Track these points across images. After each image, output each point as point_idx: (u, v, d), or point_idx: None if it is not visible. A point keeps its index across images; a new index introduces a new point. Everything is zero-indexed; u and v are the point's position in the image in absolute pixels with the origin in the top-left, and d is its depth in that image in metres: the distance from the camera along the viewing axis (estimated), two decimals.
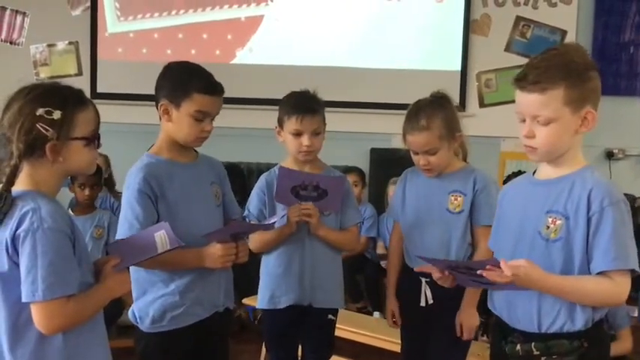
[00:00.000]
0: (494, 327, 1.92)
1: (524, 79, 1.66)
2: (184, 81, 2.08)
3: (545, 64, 1.65)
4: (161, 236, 1.73)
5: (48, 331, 1.54)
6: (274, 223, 2.25)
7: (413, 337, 2.45)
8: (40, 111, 1.55)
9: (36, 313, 1.52)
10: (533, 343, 1.70)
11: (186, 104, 2.07)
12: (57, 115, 1.56)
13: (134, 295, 2.11)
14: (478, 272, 1.61)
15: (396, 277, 2.50)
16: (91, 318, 1.62)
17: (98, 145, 1.67)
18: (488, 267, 1.59)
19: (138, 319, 2.12)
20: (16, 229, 1.51)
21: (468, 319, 2.28)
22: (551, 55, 1.68)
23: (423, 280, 2.29)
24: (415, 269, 2.12)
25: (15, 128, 1.54)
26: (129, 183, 2.09)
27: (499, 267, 1.58)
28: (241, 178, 4.89)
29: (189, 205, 2.11)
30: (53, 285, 1.50)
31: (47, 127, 1.55)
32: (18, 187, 1.57)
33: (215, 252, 2.05)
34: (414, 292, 2.35)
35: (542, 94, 1.63)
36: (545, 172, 1.76)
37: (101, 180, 3.76)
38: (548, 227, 1.68)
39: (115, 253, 1.75)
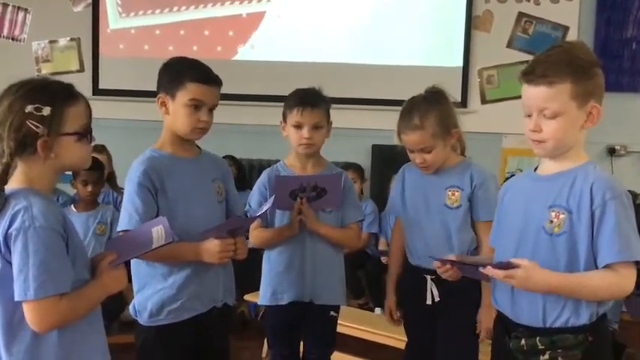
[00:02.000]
0: (496, 323, 1.92)
1: (532, 73, 1.68)
2: (179, 72, 2.12)
3: (552, 59, 1.68)
4: (158, 230, 1.72)
5: (41, 329, 1.54)
6: (267, 211, 2.25)
7: (419, 336, 2.42)
8: (29, 108, 1.54)
9: (28, 312, 1.52)
10: (537, 338, 1.71)
11: (181, 94, 2.09)
12: (46, 111, 1.55)
13: (134, 288, 2.13)
14: (480, 270, 1.66)
15: (397, 273, 2.49)
16: (86, 315, 1.61)
17: (91, 140, 1.66)
18: (488, 267, 1.64)
19: (137, 313, 2.14)
20: (8, 227, 1.51)
21: (485, 319, 2.25)
22: (557, 51, 1.71)
23: (428, 277, 2.28)
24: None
25: (5, 126, 1.54)
26: (130, 176, 2.10)
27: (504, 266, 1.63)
28: (242, 174, 4.90)
29: (189, 199, 2.12)
30: (45, 283, 1.50)
31: (37, 124, 1.54)
32: (12, 185, 1.57)
33: (213, 247, 2.05)
34: (418, 289, 2.33)
35: (550, 87, 1.65)
36: (547, 167, 1.77)
37: (103, 176, 3.76)
38: (551, 222, 1.69)
39: (112, 248, 1.75)
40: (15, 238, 1.50)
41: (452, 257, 1.87)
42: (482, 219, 2.26)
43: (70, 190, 3.88)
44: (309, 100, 2.42)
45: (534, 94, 1.68)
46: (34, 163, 1.58)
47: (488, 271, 1.64)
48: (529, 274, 1.61)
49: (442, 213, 2.32)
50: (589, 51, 1.75)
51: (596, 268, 1.66)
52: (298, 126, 2.41)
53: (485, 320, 2.25)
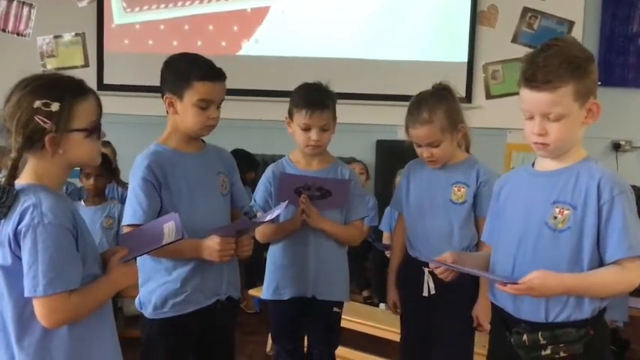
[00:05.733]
0: (494, 319, 1.92)
1: (534, 79, 1.66)
2: (184, 71, 2.10)
3: (552, 61, 1.65)
4: (169, 227, 1.73)
5: (50, 325, 1.54)
6: (279, 215, 2.25)
7: (415, 327, 2.45)
8: (38, 103, 1.53)
9: (38, 308, 1.53)
10: (539, 333, 1.71)
11: (189, 94, 2.08)
12: (55, 106, 1.54)
13: (139, 281, 2.13)
14: (497, 287, 1.67)
15: (398, 267, 2.51)
16: (95, 310, 1.62)
17: (100, 136, 1.66)
18: (502, 284, 1.65)
19: (142, 306, 2.16)
20: (18, 224, 1.52)
21: (483, 312, 2.26)
22: (553, 52, 1.67)
23: (426, 270, 2.30)
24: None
25: (14, 120, 1.53)
26: (134, 171, 2.11)
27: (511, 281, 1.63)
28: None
29: (192, 194, 2.13)
30: (54, 280, 1.50)
31: (45, 120, 1.53)
32: (21, 181, 1.57)
33: (213, 245, 2.05)
34: (416, 281, 2.36)
35: (554, 92, 1.64)
36: (547, 163, 1.77)
37: (108, 170, 3.77)
38: (555, 217, 1.70)
39: (123, 244, 1.76)
40: (24, 234, 1.51)
41: (448, 258, 1.84)
42: (485, 215, 2.25)
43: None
44: (318, 102, 2.38)
45: (538, 99, 1.66)
46: (43, 158, 1.58)
47: (506, 289, 1.64)
48: (543, 281, 1.61)
49: (447, 208, 2.34)
50: (582, 46, 1.74)
51: (600, 262, 1.67)
52: (306, 128, 2.39)
53: (482, 314, 2.26)
